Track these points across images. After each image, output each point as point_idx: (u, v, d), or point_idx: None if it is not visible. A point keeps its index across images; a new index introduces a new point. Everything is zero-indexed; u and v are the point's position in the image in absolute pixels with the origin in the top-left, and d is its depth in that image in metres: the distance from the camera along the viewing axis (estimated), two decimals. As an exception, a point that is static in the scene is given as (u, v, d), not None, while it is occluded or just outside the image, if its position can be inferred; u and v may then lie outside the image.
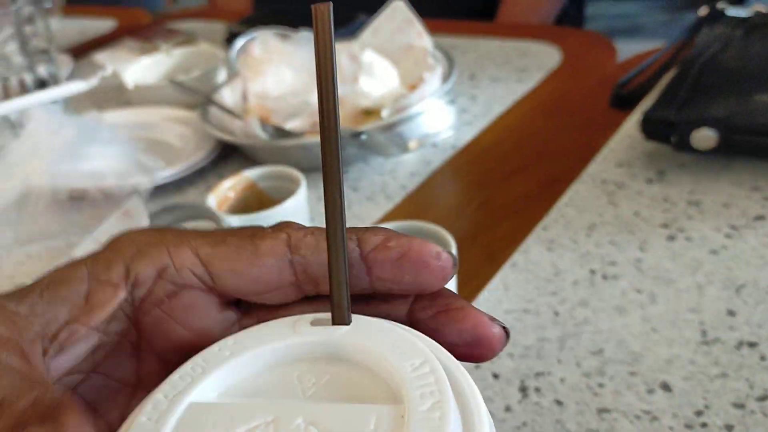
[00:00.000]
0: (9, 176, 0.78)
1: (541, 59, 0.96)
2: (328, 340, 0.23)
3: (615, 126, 0.76)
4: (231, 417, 0.21)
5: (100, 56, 1.17)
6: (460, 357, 0.23)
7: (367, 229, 0.25)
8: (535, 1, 1.34)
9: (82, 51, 1.26)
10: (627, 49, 1.15)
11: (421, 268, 0.25)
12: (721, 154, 0.64)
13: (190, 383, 0.22)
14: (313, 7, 0.22)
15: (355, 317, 0.24)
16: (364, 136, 0.70)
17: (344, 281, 0.23)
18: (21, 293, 0.24)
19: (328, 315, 0.24)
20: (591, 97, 0.84)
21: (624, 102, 0.80)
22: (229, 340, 0.24)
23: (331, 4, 0.22)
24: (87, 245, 0.57)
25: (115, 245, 0.25)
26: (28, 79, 0.93)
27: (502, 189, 0.70)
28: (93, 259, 0.25)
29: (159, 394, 0.22)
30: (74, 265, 0.25)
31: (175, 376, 0.23)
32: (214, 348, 0.24)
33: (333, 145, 0.23)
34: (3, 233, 0.75)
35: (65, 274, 0.25)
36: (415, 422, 0.19)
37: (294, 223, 0.26)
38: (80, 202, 0.76)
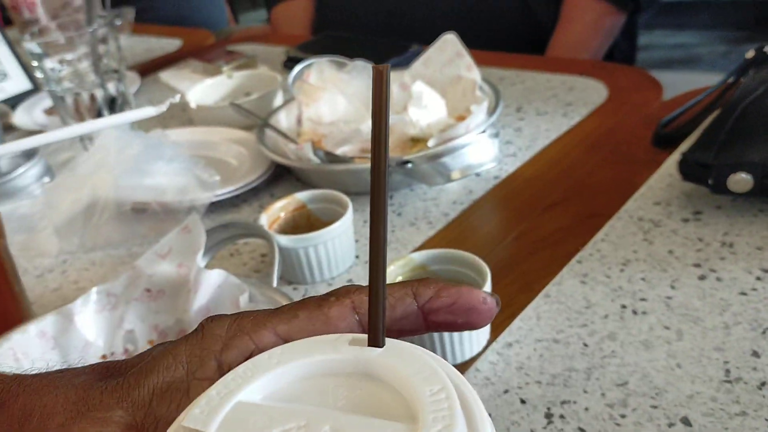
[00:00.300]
0: (78, 187, 0.84)
1: (587, 94, 0.98)
2: (363, 358, 0.26)
3: (656, 164, 0.78)
4: (270, 417, 0.24)
5: (165, 75, 1.23)
6: (460, 326, 0.26)
7: (420, 282, 0.30)
8: (585, 37, 1.37)
9: (148, 69, 1.33)
10: (683, 80, 1.16)
11: (471, 312, 0.29)
12: (757, 197, 0.66)
13: (239, 384, 0.26)
14: (373, 67, 0.26)
15: (389, 341, 0.27)
16: (410, 165, 0.74)
17: (381, 308, 0.27)
18: (129, 393, 0.28)
19: (365, 336, 0.27)
20: (634, 134, 0.86)
21: (666, 141, 0.82)
22: (277, 350, 0.27)
23: (389, 66, 0.26)
24: (149, 257, 0.62)
25: (202, 341, 0.29)
26: (99, 95, 1.00)
27: (541, 221, 0.73)
28: (188, 356, 0.29)
29: (213, 391, 0.26)
30: (171, 364, 0.29)
31: (228, 377, 0.26)
32: (264, 356, 0.27)
33: (381, 194, 0.27)
34: (69, 240, 0.81)
35: (169, 375, 0.28)
36: None
37: (352, 286, 0.30)
38: (142, 214, 0.81)
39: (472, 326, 0.30)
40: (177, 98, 0.63)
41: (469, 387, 0.25)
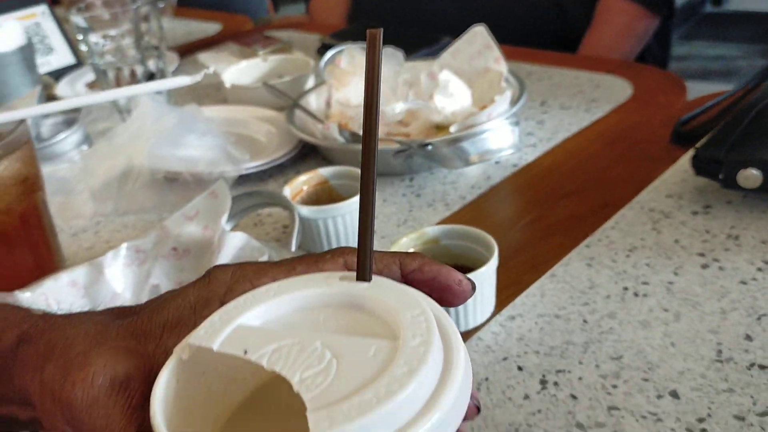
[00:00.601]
0: (115, 155, 0.88)
1: (612, 92, 1.00)
2: (351, 291, 0.29)
3: (672, 161, 0.79)
4: (266, 337, 0.28)
5: (203, 56, 1.28)
6: (436, 301, 0.30)
7: (407, 254, 0.33)
8: (617, 39, 1.38)
9: (188, 50, 1.38)
10: (718, 91, 1.16)
11: (447, 291, 0.32)
12: (767, 193, 0.68)
13: (239, 311, 0.29)
14: (367, 31, 0.29)
15: (375, 277, 0.30)
16: (429, 147, 0.76)
17: (369, 248, 0.30)
18: (142, 328, 0.31)
19: (353, 273, 0.30)
20: (654, 132, 0.88)
21: (684, 139, 0.83)
22: (274, 285, 0.31)
23: (382, 29, 0.29)
24: (177, 218, 0.65)
25: (208, 285, 0.33)
26: (139, 71, 1.04)
27: (554, 208, 0.75)
28: (195, 298, 0.32)
29: (215, 317, 0.29)
30: (181, 304, 0.32)
31: (230, 306, 0.30)
32: (262, 289, 0.30)
33: (372, 143, 0.30)
34: (104, 204, 0.85)
35: (178, 313, 0.32)
36: (404, 351, 0.25)
37: (347, 248, 0.34)
38: (173, 183, 0.85)
39: (448, 303, 0.33)
40: (211, 70, 0.67)
41: (447, 316, 0.29)
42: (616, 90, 1.01)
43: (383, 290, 0.29)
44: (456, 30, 1.07)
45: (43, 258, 0.66)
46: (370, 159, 0.30)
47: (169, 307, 0.32)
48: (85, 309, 0.63)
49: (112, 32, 1.03)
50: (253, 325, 0.29)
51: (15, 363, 0.32)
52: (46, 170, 0.90)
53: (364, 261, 0.30)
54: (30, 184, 0.62)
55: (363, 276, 0.30)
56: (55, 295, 0.61)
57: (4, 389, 0.33)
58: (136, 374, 0.29)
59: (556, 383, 0.52)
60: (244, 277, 0.33)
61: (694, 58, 3.64)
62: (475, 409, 0.32)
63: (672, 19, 1.50)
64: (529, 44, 1.22)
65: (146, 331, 0.31)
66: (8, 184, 0.59)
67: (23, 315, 0.35)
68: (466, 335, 0.58)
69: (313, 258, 0.33)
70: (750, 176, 0.66)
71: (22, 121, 0.59)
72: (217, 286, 0.33)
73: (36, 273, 0.62)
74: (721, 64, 3.54)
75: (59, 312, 0.35)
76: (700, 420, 0.48)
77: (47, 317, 0.34)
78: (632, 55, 1.42)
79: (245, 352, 0.27)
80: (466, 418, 0.31)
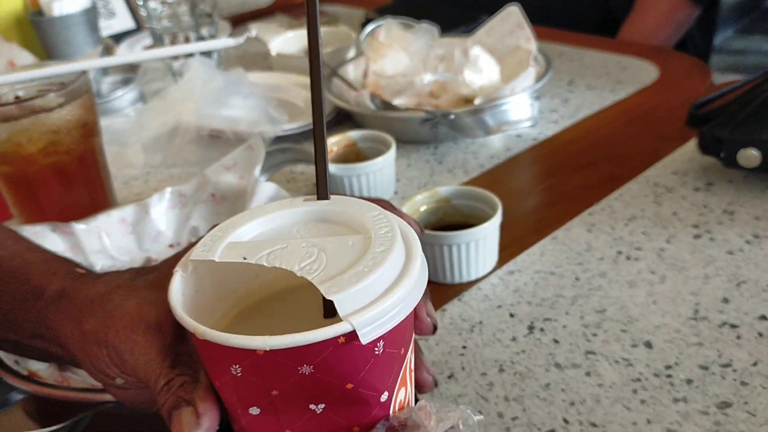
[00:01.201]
0: (165, 112, 0.96)
1: (638, 75, 1.04)
2: (316, 209, 0.35)
3: (684, 141, 0.83)
4: (257, 247, 0.33)
5: (254, 26, 1.35)
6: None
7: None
8: (657, 26, 1.40)
9: (239, 20, 1.45)
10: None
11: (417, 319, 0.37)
12: (766, 173, 0.71)
13: (225, 233, 0.34)
14: None
15: (333, 196, 0.35)
16: (452, 116, 0.82)
17: (325, 170, 0.35)
18: (163, 281, 0.35)
19: (314, 195, 0.35)
20: (672, 114, 0.91)
21: (699, 121, 0.87)
22: (249, 211, 0.36)
23: None
24: (216, 168, 0.72)
25: None
26: (192, 37, 1.12)
27: (566, 179, 0.80)
28: None
29: (207, 239, 0.34)
30: None
31: (214, 231, 0.35)
32: (239, 215, 0.36)
33: (317, 76, 0.34)
34: (154, 155, 0.93)
35: None
36: (376, 239, 0.31)
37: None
38: (217, 139, 0.92)
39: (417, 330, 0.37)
40: (254, 33, 0.73)
41: (400, 219, 0.34)
42: (642, 73, 1.04)
43: (343, 204, 0.35)
44: (492, 8, 1.11)
45: (97, 197, 0.73)
46: (318, 92, 0.35)
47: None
48: (132, 244, 0.71)
49: (170, -1, 1.11)
50: (242, 241, 0.34)
51: (55, 312, 0.38)
52: (104, 122, 0.99)
53: (322, 183, 0.35)
54: (89, 129, 0.69)
55: (323, 195, 0.35)
56: (107, 229, 0.69)
57: (41, 330, 0.39)
58: (165, 319, 0.35)
59: (542, 329, 0.58)
60: None
61: (752, 52, 3.58)
62: (432, 327, 0.37)
63: (715, 9, 1.51)
64: (572, 28, 1.25)
65: (167, 284, 0.35)
66: (70, 127, 0.67)
67: (66, 272, 0.40)
68: (468, 285, 0.64)
69: None
70: (750, 156, 0.70)
71: (84, 72, 0.67)
72: None
73: (91, 209, 0.70)
74: (778, 59, 3.47)
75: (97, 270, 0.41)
76: (668, 367, 0.53)
77: (84, 277, 0.40)
78: (670, 42, 1.44)
79: (244, 258, 0.32)
80: (422, 333, 0.37)
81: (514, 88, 0.87)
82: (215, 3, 1.13)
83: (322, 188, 0.35)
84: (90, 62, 0.62)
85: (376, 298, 0.30)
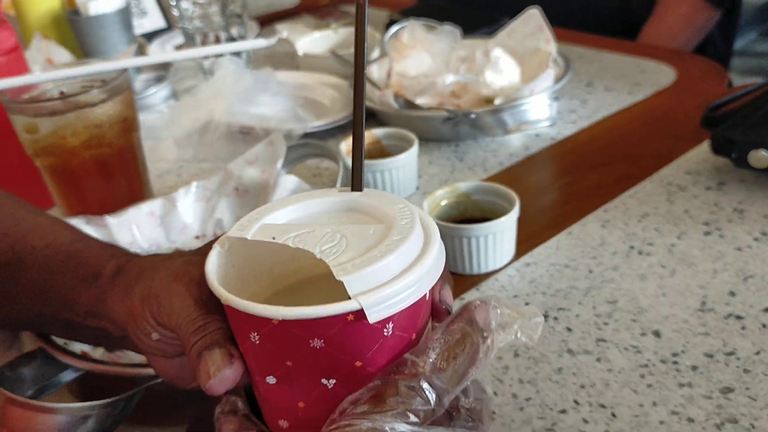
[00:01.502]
0: (197, 109, 1.00)
1: (656, 77, 1.06)
2: (348, 199, 0.38)
3: (698, 142, 0.86)
4: (287, 229, 0.36)
5: (281, 26, 1.38)
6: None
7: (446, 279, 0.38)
8: (677, 29, 1.42)
9: (267, 20, 1.49)
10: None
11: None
12: (776, 174, 0.74)
13: (261, 216, 0.37)
14: (356, 1, 0.37)
15: (367, 188, 0.38)
16: (473, 116, 0.85)
17: (361, 165, 0.38)
18: (198, 255, 0.39)
19: (349, 187, 0.38)
20: (688, 116, 0.94)
21: (713, 123, 0.89)
22: (285, 198, 0.39)
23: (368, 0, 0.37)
24: (239, 162, 0.76)
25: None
26: (223, 36, 1.16)
27: (583, 177, 0.83)
28: None
29: (243, 220, 0.37)
30: None
31: (252, 213, 0.38)
32: (276, 201, 0.39)
33: (360, 77, 0.37)
34: (186, 150, 0.97)
35: None
36: (395, 228, 0.34)
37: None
38: (246, 136, 0.96)
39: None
40: (285, 35, 0.76)
41: (423, 212, 0.37)
42: (660, 76, 1.07)
43: (374, 196, 0.38)
44: (513, 10, 1.14)
45: (135, 189, 0.77)
46: (361, 91, 0.37)
47: None
48: (160, 236, 0.75)
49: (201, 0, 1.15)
50: (275, 223, 0.37)
51: (112, 288, 0.41)
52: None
53: (357, 175, 0.38)
54: (128, 124, 0.73)
55: (357, 187, 0.38)
56: (137, 221, 0.73)
57: (97, 307, 0.42)
58: (202, 279, 0.37)
59: (555, 318, 0.61)
60: None
61: (778, 56, 3.56)
62: (446, 313, 0.38)
63: (737, 12, 1.52)
64: (592, 30, 1.28)
65: (202, 261, 0.39)
66: (111, 122, 0.71)
67: (121, 253, 0.44)
68: (485, 276, 0.67)
69: None
70: (761, 157, 0.73)
71: (124, 70, 0.71)
72: None
73: (129, 201, 0.74)
74: (804, 64, 3.46)
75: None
76: (674, 354, 0.56)
77: (136, 255, 0.44)
78: (690, 45, 1.45)
79: (273, 238, 0.35)
80: (437, 318, 0.40)
81: (533, 88, 0.90)
82: (245, 4, 1.17)
83: (357, 181, 0.38)
84: (130, 61, 0.66)
85: (387, 281, 0.32)
